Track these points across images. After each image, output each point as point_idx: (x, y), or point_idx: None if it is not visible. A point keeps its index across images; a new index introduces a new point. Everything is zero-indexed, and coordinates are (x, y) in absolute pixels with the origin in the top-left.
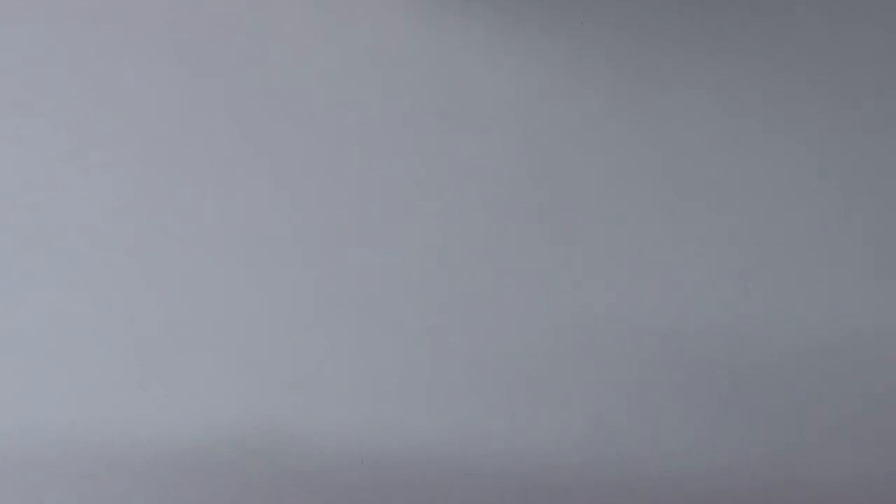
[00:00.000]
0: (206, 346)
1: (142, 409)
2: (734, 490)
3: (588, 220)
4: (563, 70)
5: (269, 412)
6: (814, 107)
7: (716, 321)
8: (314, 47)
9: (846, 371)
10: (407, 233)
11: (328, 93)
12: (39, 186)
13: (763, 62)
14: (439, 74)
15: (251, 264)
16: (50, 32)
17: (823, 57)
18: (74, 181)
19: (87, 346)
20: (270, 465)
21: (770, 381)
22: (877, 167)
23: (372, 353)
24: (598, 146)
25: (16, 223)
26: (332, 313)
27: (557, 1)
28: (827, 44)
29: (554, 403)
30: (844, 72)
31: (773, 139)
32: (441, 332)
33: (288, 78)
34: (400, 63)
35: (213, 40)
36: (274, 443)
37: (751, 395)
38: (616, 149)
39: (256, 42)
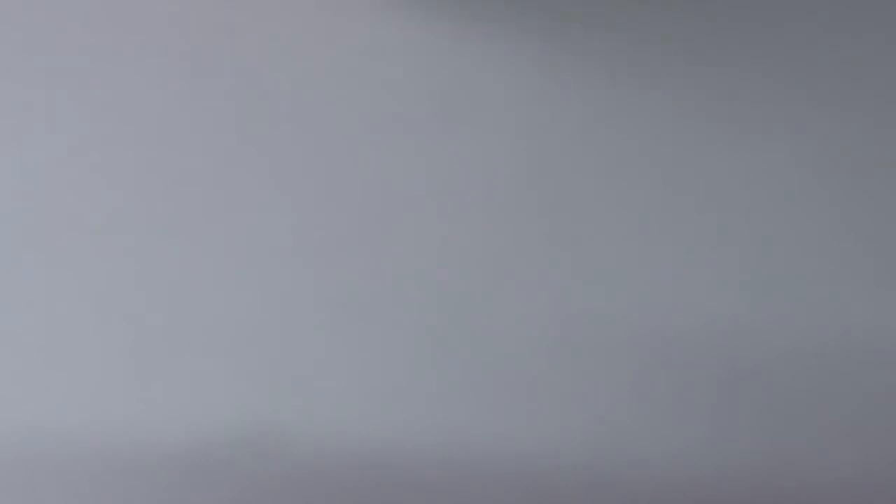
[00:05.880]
0: (206, 346)
1: (142, 409)
2: (734, 490)
3: (588, 220)
4: (562, 71)
5: (269, 412)
6: (813, 106)
7: (715, 321)
8: (314, 47)
9: (846, 371)
10: (407, 233)
11: (328, 93)
12: (39, 186)
13: (763, 63)
14: (439, 74)
15: (251, 265)
16: (50, 32)
17: (823, 57)
18: (74, 181)
19: (86, 346)
20: (270, 465)
21: (770, 381)
22: (876, 167)
23: (372, 353)
24: (598, 146)
25: (15, 223)
26: (332, 313)
27: (557, 1)
28: (826, 44)
29: (554, 403)
30: (844, 72)
31: (772, 139)
32: (441, 332)
33: (288, 78)
34: (399, 63)
35: (212, 40)
36: (274, 443)
37: (750, 396)
38: (616, 149)
39: (256, 42)
